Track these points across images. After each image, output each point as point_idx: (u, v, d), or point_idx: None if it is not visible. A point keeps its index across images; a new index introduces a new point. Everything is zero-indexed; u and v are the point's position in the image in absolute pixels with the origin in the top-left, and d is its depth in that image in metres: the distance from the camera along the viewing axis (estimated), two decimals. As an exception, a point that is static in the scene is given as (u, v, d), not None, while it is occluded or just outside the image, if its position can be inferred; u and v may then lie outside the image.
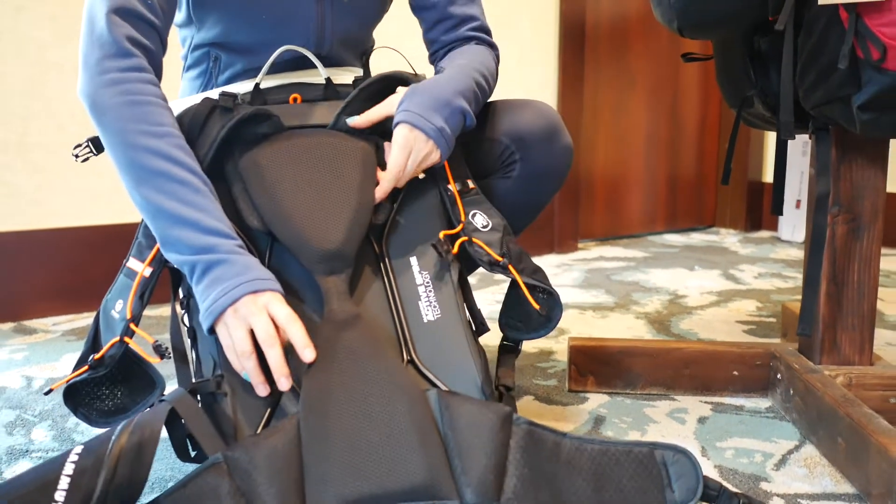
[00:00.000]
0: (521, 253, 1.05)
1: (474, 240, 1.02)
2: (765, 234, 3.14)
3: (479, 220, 1.05)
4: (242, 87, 1.10)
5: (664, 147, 3.09)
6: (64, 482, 0.74)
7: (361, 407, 0.85)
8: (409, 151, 1.01)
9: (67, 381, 0.94)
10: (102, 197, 1.87)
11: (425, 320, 0.99)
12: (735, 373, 1.32)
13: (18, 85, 1.76)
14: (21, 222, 1.79)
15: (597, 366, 1.33)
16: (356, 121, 1.05)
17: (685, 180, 3.18)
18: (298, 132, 1.05)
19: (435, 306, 1.00)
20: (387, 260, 1.03)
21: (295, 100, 1.08)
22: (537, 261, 2.53)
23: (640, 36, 2.93)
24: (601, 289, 2.13)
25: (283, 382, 0.87)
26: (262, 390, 0.88)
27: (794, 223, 2.97)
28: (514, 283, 1.05)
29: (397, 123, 1.02)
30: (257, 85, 1.08)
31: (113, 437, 0.78)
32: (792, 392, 1.22)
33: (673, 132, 3.10)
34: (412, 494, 0.79)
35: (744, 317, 1.83)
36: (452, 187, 1.06)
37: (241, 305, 0.88)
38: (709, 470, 1.05)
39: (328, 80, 1.10)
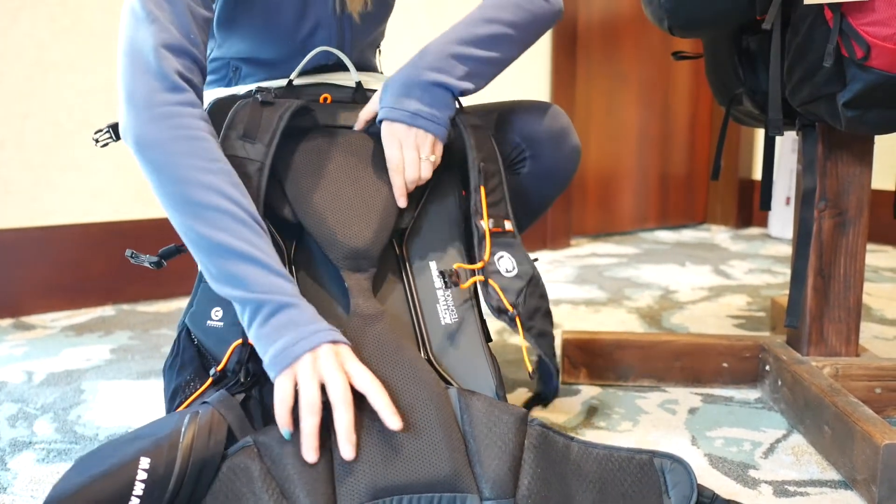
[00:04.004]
0: (538, 312, 1.00)
1: (490, 281, 0.98)
2: (755, 230, 3.17)
3: (505, 263, 1.01)
4: (273, 84, 1.12)
5: (656, 144, 3.12)
6: (139, 488, 0.75)
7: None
8: (398, 144, 1.02)
9: (191, 401, 0.90)
10: (100, 194, 1.89)
11: (443, 323, 1.02)
12: (725, 365, 1.35)
13: (17, 84, 1.77)
14: (19, 219, 1.80)
15: (589, 358, 1.36)
16: (356, 126, 1.07)
17: (676, 177, 3.21)
18: (333, 131, 1.07)
19: (452, 310, 1.02)
20: (407, 263, 1.06)
21: (325, 99, 1.10)
22: (530, 257, 2.55)
23: (631, 34, 2.96)
24: (593, 284, 2.16)
25: (349, 450, 0.81)
26: (313, 456, 0.81)
27: (783, 220, 3.00)
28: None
29: (380, 122, 1.03)
30: (290, 81, 1.10)
31: (183, 429, 0.79)
32: (780, 383, 1.24)
33: (664, 130, 3.13)
34: (436, 486, 0.82)
35: (734, 311, 1.86)
36: (485, 224, 1.02)
37: (321, 353, 0.84)
38: (698, 458, 1.08)
39: (358, 83, 1.12)
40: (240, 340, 0.89)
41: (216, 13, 1.09)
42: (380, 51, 1.27)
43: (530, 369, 0.97)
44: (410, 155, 1.02)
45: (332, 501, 0.80)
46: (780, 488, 1.00)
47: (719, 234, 3.08)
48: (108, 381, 1.37)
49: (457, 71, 1.03)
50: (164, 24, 0.93)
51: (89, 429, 1.16)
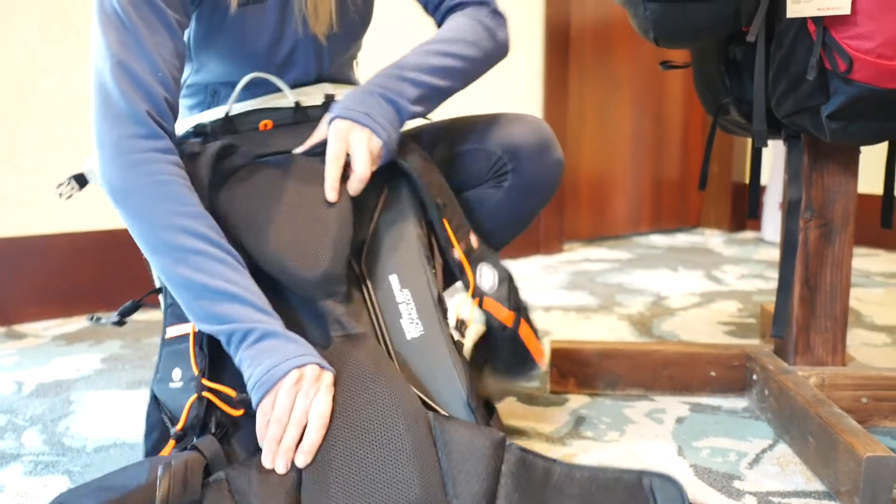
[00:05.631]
0: (522, 305, 1.07)
1: (485, 305, 1.03)
2: (749, 234, 3.18)
3: (487, 277, 1.06)
4: (212, 115, 1.12)
5: (649, 149, 3.12)
6: None
7: (363, 428, 0.87)
8: (344, 139, 1.01)
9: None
10: (91, 203, 1.89)
11: (408, 338, 1.01)
12: (712, 374, 1.35)
13: (6, 89, 1.77)
14: (10, 228, 1.80)
15: (577, 368, 1.36)
16: (299, 150, 1.06)
17: (670, 182, 3.21)
18: (269, 161, 1.05)
19: (417, 323, 1.01)
20: (367, 280, 1.04)
21: (266, 126, 1.09)
22: (523, 263, 2.56)
23: (624, 40, 2.96)
24: (585, 290, 2.16)
25: (302, 459, 0.86)
26: (284, 467, 0.85)
27: (777, 224, 3.01)
28: (513, 337, 1.07)
29: (331, 121, 1.03)
30: (227, 114, 1.09)
31: (158, 482, 0.80)
32: (767, 392, 1.25)
33: (658, 134, 3.14)
34: None
35: (725, 318, 1.87)
36: (459, 252, 1.05)
37: (307, 372, 0.88)
38: (684, 469, 1.08)
39: (297, 104, 1.11)
40: (195, 396, 0.90)
41: (192, 37, 1.09)
42: (357, 62, 1.28)
43: (544, 361, 1.08)
44: (360, 151, 1.00)
45: None
46: (765, 499, 1.00)
47: (713, 238, 3.08)
48: (97, 391, 1.37)
49: (408, 93, 1.06)
50: (131, 65, 0.93)
51: (77, 440, 1.17)
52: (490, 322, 1.03)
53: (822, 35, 1.01)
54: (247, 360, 0.89)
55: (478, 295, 1.03)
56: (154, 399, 0.94)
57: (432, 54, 1.10)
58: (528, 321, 1.08)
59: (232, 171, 1.03)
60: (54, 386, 1.40)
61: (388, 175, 1.08)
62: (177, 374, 0.93)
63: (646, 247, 2.90)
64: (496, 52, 1.17)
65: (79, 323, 1.82)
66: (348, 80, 1.23)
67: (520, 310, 1.06)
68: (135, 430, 1.19)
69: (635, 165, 3.09)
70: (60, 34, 1.82)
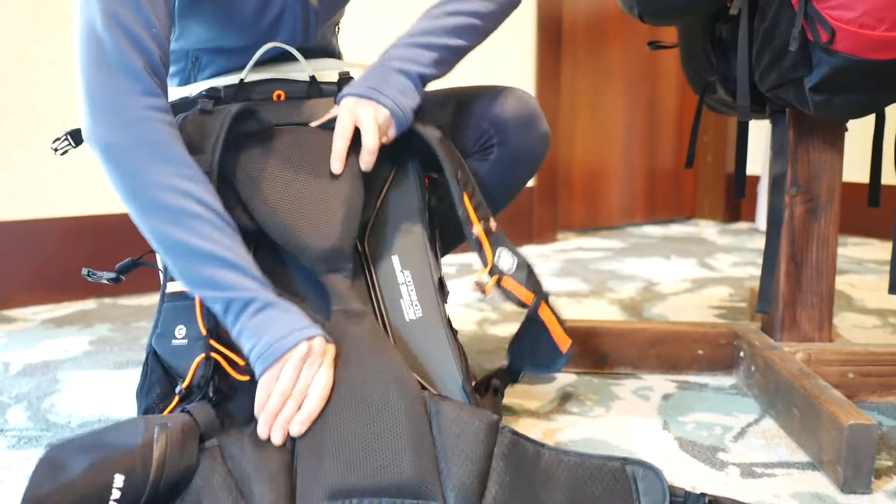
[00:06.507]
0: (545, 292, 1.08)
1: (503, 283, 1.03)
2: (743, 225, 3.18)
3: (506, 259, 1.05)
4: (224, 82, 1.11)
5: (642, 139, 3.12)
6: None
7: (360, 404, 0.87)
8: (351, 113, 1.01)
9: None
10: (79, 189, 1.89)
11: (407, 319, 1.01)
12: (700, 352, 1.35)
13: (-3, 77, 1.77)
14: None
15: (565, 346, 1.36)
16: (319, 121, 1.06)
17: (664, 172, 3.21)
18: (285, 130, 1.05)
19: (417, 305, 1.02)
20: (369, 259, 1.04)
21: (279, 97, 1.09)
22: (516, 251, 2.56)
23: (617, 29, 2.96)
24: (577, 277, 2.16)
25: (297, 428, 0.85)
26: (281, 438, 0.85)
27: (770, 214, 3.00)
28: (532, 319, 1.08)
29: (341, 99, 1.03)
30: (242, 80, 1.08)
31: (154, 443, 0.79)
32: (753, 368, 1.25)
33: (651, 124, 3.14)
34: (400, 491, 0.81)
35: (715, 302, 1.87)
36: (478, 229, 1.04)
37: (316, 345, 0.88)
38: (668, 442, 1.08)
39: (312, 77, 1.11)
40: (203, 355, 0.89)
41: (177, 1, 1.07)
42: (338, 28, 1.27)
43: (568, 341, 1.09)
44: (368, 122, 1.00)
45: (290, 501, 0.80)
46: (748, 470, 1.00)
47: (707, 229, 3.08)
48: (84, 371, 1.37)
49: (423, 58, 1.05)
50: (125, 18, 0.90)
51: (62, 417, 1.16)
52: (510, 300, 1.03)
53: (805, 5, 1.01)
54: (248, 331, 0.88)
55: (496, 273, 1.03)
56: (154, 354, 0.93)
57: (445, 15, 1.08)
58: (549, 305, 1.07)
59: (248, 135, 1.02)
60: (41, 366, 1.39)
61: (397, 153, 1.08)
62: (181, 331, 0.92)
63: (639, 237, 2.90)
64: (508, 3, 1.14)
65: (69, 308, 1.82)
66: (331, 46, 1.22)
67: (540, 293, 1.06)
68: (121, 408, 1.19)
69: (629, 156, 3.09)
70: (50, 23, 1.82)
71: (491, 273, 1.03)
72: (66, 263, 1.87)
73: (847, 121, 1.24)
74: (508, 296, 1.04)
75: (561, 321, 1.09)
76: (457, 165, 1.05)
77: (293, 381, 0.86)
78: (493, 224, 1.07)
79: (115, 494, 0.76)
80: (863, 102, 1.09)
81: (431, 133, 1.05)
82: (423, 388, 0.95)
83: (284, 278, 0.98)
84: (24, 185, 1.83)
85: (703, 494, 0.87)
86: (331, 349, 0.90)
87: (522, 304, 1.04)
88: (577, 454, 0.89)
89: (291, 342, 0.87)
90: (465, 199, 1.04)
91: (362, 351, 0.91)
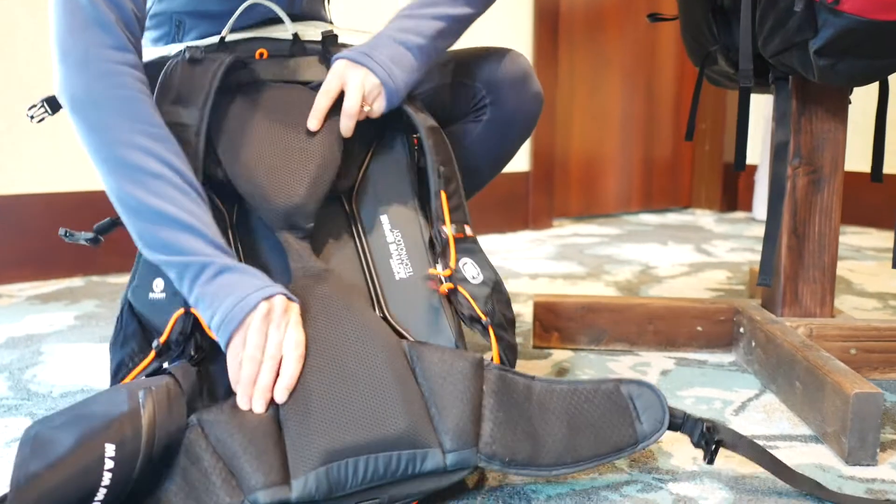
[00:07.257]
0: (506, 321, 0.98)
1: (459, 289, 0.95)
2: (740, 214, 3.15)
3: (470, 270, 0.98)
4: (206, 42, 1.07)
5: (640, 128, 3.09)
6: (107, 478, 0.72)
7: (339, 363, 0.83)
8: (340, 76, 0.98)
9: (134, 375, 0.87)
10: (66, 165, 1.86)
11: (397, 278, 0.98)
12: (699, 328, 1.32)
13: (-17, 50, 1.74)
14: (-14, 189, 1.77)
15: (561, 322, 1.33)
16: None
17: (661, 161, 3.18)
18: (272, 86, 1.03)
19: (407, 264, 0.99)
20: (358, 219, 1.02)
21: (261, 55, 1.06)
22: (510, 237, 2.53)
23: (615, 17, 2.93)
24: (573, 261, 2.13)
25: (282, 395, 0.81)
26: (262, 406, 0.80)
27: (768, 203, 2.98)
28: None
29: (332, 63, 1.01)
30: (223, 38, 1.05)
31: (142, 408, 0.76)
32: (754, 344, 1.22)
33: (648, 113, 3.11)
34: (394, 444, 0.78)
35: (713, 285, 1.84)
36: (448, 230, 0.98)
37: (276, 303, 0.83)
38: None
39: (295, 35, 1.08)
40: (182, 310, 0.86)
41: None
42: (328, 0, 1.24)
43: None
44: (352, 86, 0.97)
45: (284, 471, 0.76)
46: (749, 442, 0.97)
47: (703, 217, 3.06)
48: (68, 343, 1.34)
49: (425, 29, 1.02)
50: None
51: (43, 387, 1.13)
52: (461, 309, 0.94)
53: (811, -36, 0.99)
54: (206, 298, 0.84)
55: (454, 280, 0.95)
56: (129, 307, 0.90)
57: (428, 8, 1.04)
58: (496, 334, 0.94)
59: (231, 88, 1.00)
60: (25, 339, 1.36)
61: (380, 130, 1.05)
62: (158, 284, 0.89)
63: (635, 224, 2.87)
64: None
65: (56, 284, 1.78)
66: (319, 15, 1.19)
67: (493, 317, 0.95)
68: (105, 379, 1.16)
69: (626, 144, 3.06)
70: (43, 0, 1.78)
71: (450, 278, 0.95)
72: (54, 240, 1.83)
73: (851, 91, 1.21)
74: (461, 305, 0.94)
75: (505, 354, 0.96)
76: (443, 160, 1.01)
77: (261, 346, 0.82)
78: (468, 230, 1.00)
79: (109, 465, 0.72)
80: (867, 68, 1.06)
81: (423, 120, 1.02)
82: (402, 336, 0.93)
83: (251, 239, 0.96)
84: (12, 161, 1.79)
85: (701, 419, 0.86)
86: (294, 307, 0.85)
87: (476, 318, 0.93)
88: (569, 381, 0.87)
89: (251, 303, 0.82)
90: (443, 196, 0.99)
91: (332, 309, 0.88)
